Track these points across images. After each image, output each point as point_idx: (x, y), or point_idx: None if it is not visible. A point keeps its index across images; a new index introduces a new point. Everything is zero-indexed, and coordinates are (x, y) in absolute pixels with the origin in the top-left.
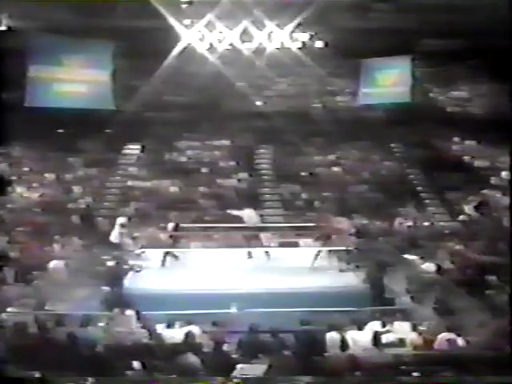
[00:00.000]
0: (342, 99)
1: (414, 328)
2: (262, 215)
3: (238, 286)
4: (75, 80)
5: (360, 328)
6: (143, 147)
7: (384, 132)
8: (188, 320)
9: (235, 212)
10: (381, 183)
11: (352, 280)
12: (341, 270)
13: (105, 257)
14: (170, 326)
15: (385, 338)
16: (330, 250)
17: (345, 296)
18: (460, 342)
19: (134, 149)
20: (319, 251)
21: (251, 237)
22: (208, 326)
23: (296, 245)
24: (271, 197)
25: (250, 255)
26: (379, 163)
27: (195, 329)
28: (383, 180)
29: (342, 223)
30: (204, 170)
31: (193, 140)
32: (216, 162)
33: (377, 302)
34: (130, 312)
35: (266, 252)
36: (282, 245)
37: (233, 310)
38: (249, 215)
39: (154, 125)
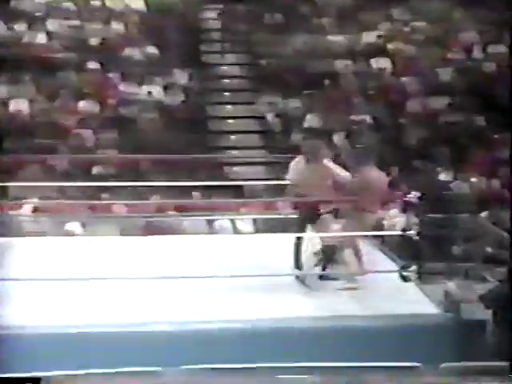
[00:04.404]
0: None
1: None
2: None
3: (169, 317)
4: None
5: None
6: None
7: None
8: None
9: None
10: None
11: (414, 303)
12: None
13: None
14: None
15: None
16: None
17: (397, 336)
18: None
19: None
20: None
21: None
22: None
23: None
24: (223, 110)
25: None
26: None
27: None
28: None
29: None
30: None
31: None
32: None
33: (471, 350)
34: None
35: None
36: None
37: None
38: None
39: None
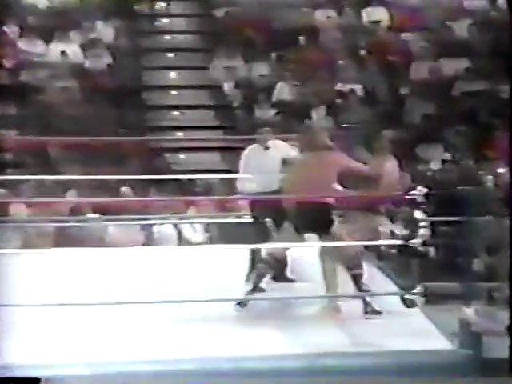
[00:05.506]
0: None
1: None
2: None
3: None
4: None
5: None
6: None
7: None
8: None
9: None
10: None
11: (419, 335)
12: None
13: None
14: None
15: None
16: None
17: (397, 379)
18: None
19: None
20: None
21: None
22: None
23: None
24: (164, 77)
25: None
26: None
27: None
28: None
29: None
30: None
31: None
32: None
33: None
34: None
35: None
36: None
37: None
38: None
39: None
